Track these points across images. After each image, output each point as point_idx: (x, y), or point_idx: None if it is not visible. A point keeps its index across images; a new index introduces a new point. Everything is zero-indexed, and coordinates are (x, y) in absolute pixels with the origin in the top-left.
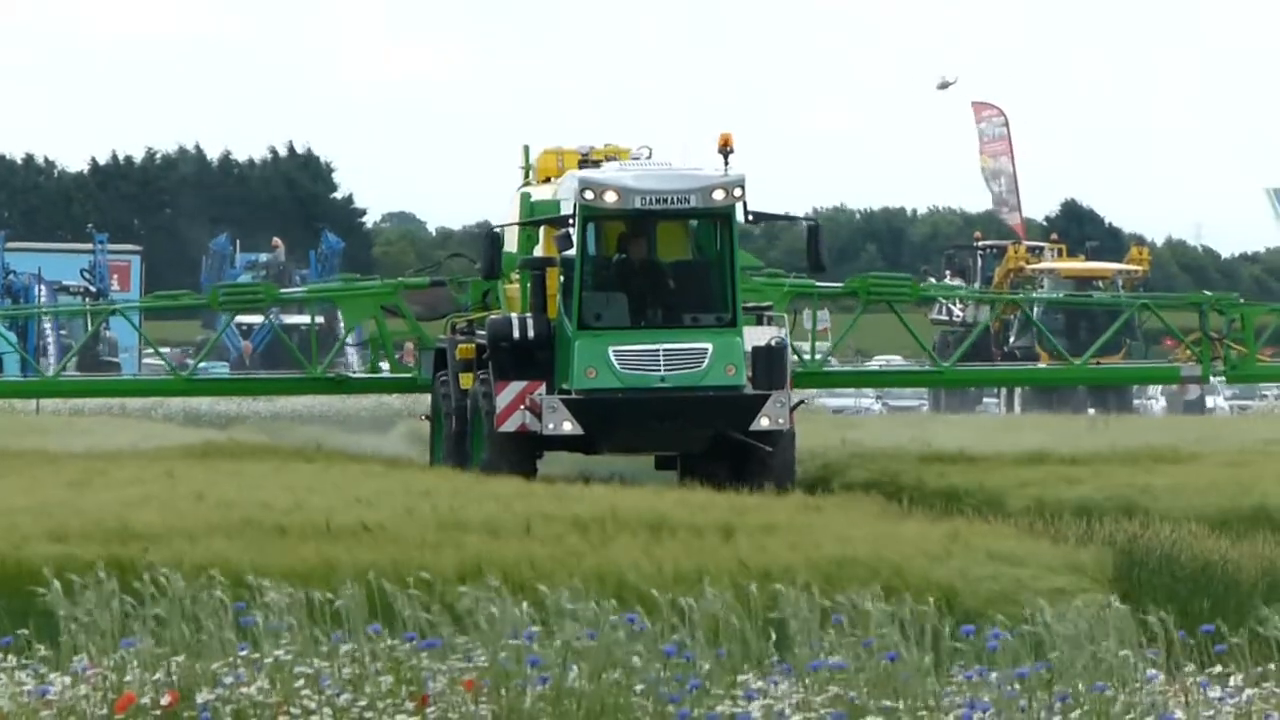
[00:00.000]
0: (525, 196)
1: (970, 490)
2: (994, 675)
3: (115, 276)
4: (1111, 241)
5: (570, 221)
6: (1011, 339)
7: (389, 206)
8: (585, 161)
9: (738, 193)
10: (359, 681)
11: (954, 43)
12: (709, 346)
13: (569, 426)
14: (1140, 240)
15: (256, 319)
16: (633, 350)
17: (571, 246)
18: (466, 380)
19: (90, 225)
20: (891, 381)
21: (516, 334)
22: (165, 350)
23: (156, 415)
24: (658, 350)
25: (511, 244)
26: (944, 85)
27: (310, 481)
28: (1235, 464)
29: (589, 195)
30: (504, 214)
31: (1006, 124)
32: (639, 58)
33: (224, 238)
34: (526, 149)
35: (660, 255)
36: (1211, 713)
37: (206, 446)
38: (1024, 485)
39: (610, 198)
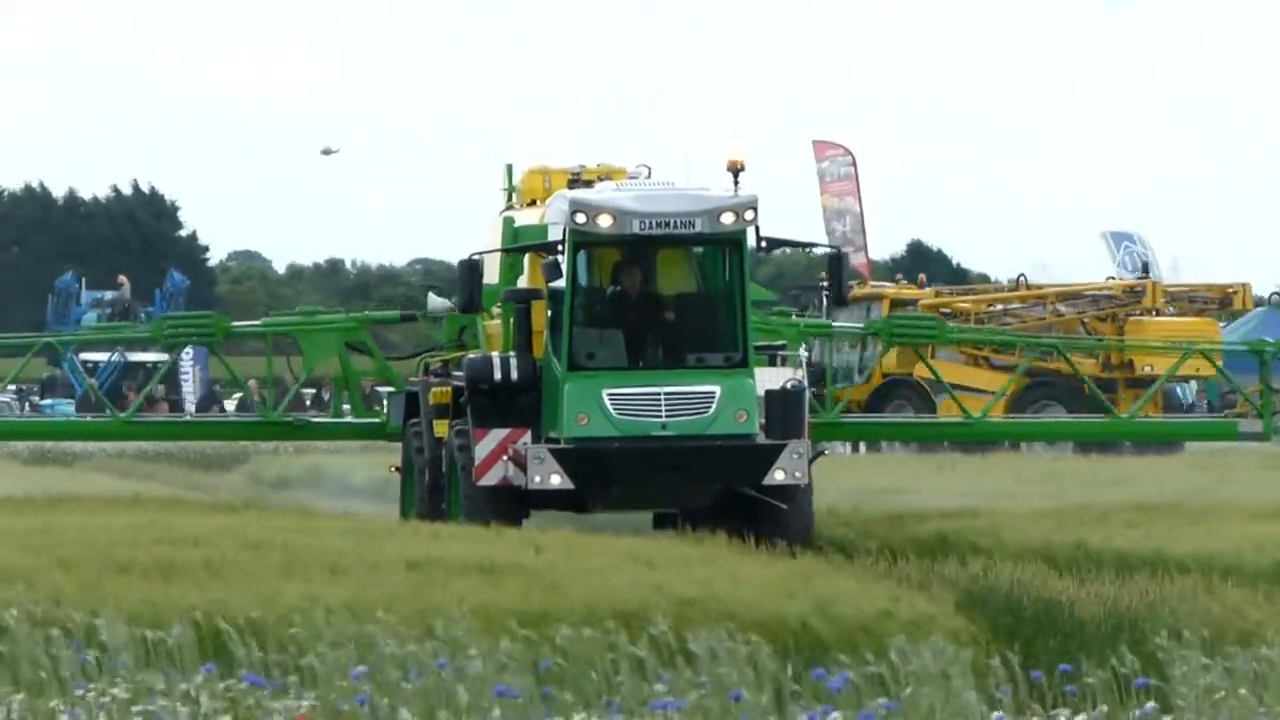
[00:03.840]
0: (508, 221)
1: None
2: (835, 715)
3: None
4: (957, 280)
5: (559, 248)
6: None
7: (235, 245)
8: (576, 182)
9: (749, 216)
10: None
11: (797, 81)
12: (717, 390)
13: (558, 480)
14: (985, 279)
15: (102, 356)
16: (630, 394)
17: (561, 277)
18: (441, 428)
19: None
20: (920, 434)
21: (498, 375)
22: (11, 388)
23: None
24: (659, 394)
25: (492, 275)
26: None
27: (152, 520)
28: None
29: (581, 219)
30: (483, 241)
31: (854, 164)
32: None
33: (70, 275)
34: (509, 169)
35: (661, 287)
36: None
37: (48, 486)
38: (868, 526)
39: (605, 221)
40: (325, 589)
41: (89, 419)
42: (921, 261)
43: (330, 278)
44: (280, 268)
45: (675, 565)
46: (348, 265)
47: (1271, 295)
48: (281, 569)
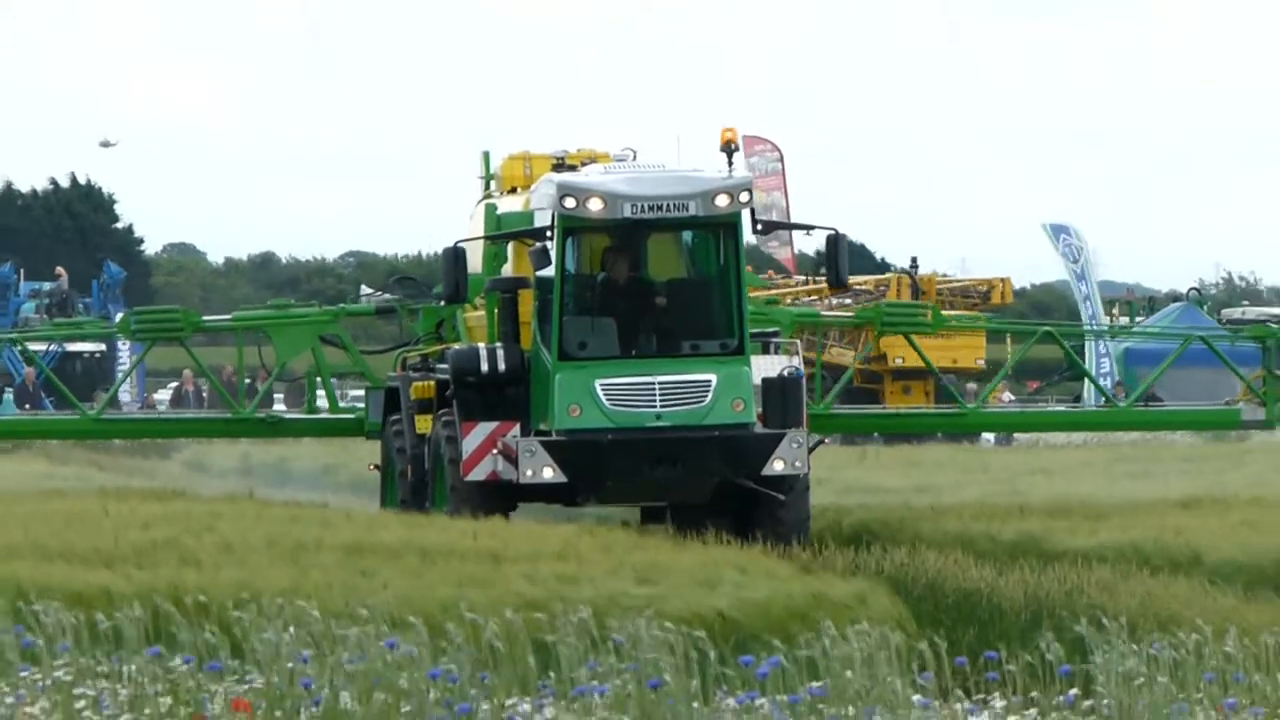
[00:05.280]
0: (490, 209)
1: None
2: (762, 700)
3: None
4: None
5: (548, 234)
6: None
7: (170, 237)
8: (560, 166)
9: (744, 198)
10: (138, 703)
11: (727, 74)
12: (713, 378)
13: (550, 473)
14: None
15: (41, 346)
16: (623, 384)
17: (549, 264)
18: (424, 423)
19: None
20: (911, 426)
21: (485, 367)
22: None
23: None
24: (653, 384)
25: (474, 265)
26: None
27: (96, 507)
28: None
29: (570, 203)
30: (463, 230)
31: (781, 159)
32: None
33: (8, 267)
34: (486, 155)
35: (654, 272)
36: None
37: None
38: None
39: (595, 205)
40: (265, 573)
41: (60, 417)
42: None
43: (263, 270)
44: (216, 260)
45: (599, 553)
46: (280, 258)
47: (1189, 290)
48: (221, 551)
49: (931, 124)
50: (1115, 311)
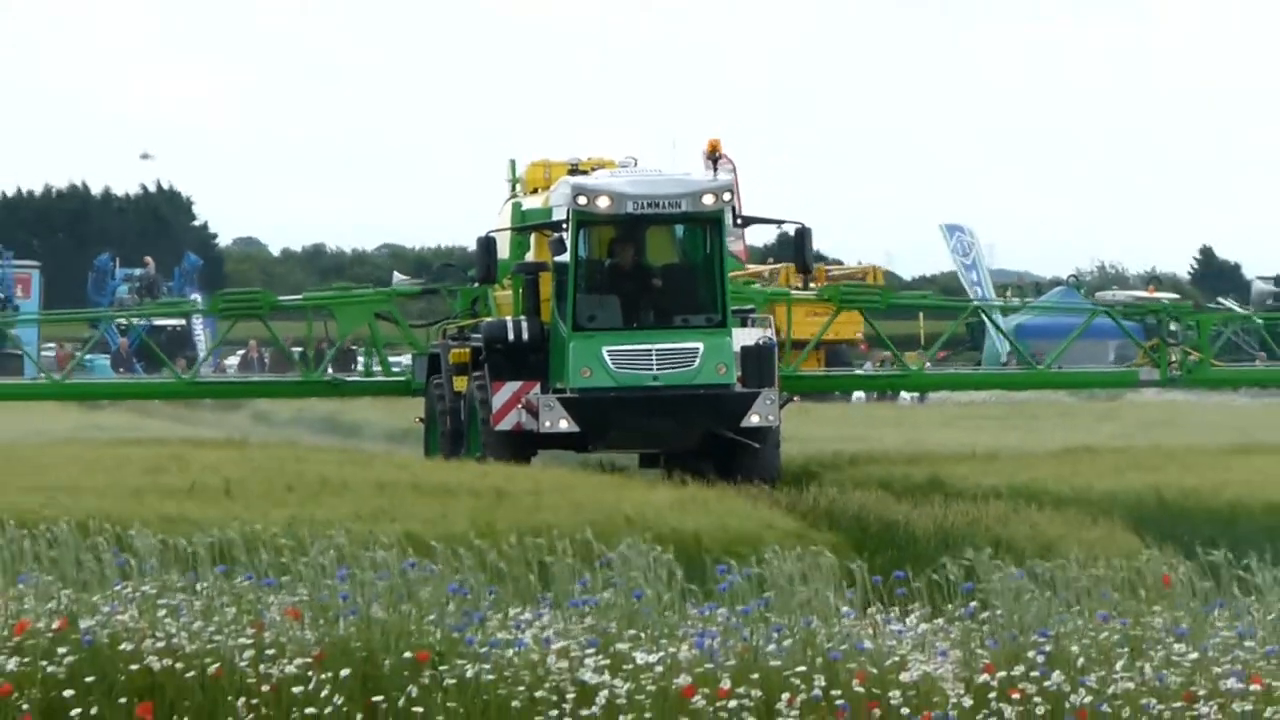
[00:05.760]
0: (516, 206)
1: None
2: (721, 609)
3: (19, 286)
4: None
5: (564, 226)
6: None
7: (238, 232)
8: (574, 171)
9: (727, 197)
10: (209, 612)
11: (709, 89)
12: (700, 346)
13: (565, 424)
14: (836, 262)
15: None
16: (626, 350)
17: (565, 251)
18: (461, 383)
19: None
20: (866, 385)
21: (511, 336)
22: (51, 346)
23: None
24: (650, 350)
25: (502, 252)
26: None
27: (175, 451)
28: (912, 443)
29: (582, 201)
30: (493, 224)
31: (734, 170)
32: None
33: (106, 256)
34: (513, 163)
35: (651, 258)
36: (894, 643)
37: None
38: None
39: (603, 203)
40: (312, 506)
41: (159, 380)
42: (788, 248)
43: (314, 259)
44: (274, 250)
45: (590, 490)
46: (328, 248)
47: (1069, 277)
48: (276, 489)
49: (870, 134)
50: (1008, 294)
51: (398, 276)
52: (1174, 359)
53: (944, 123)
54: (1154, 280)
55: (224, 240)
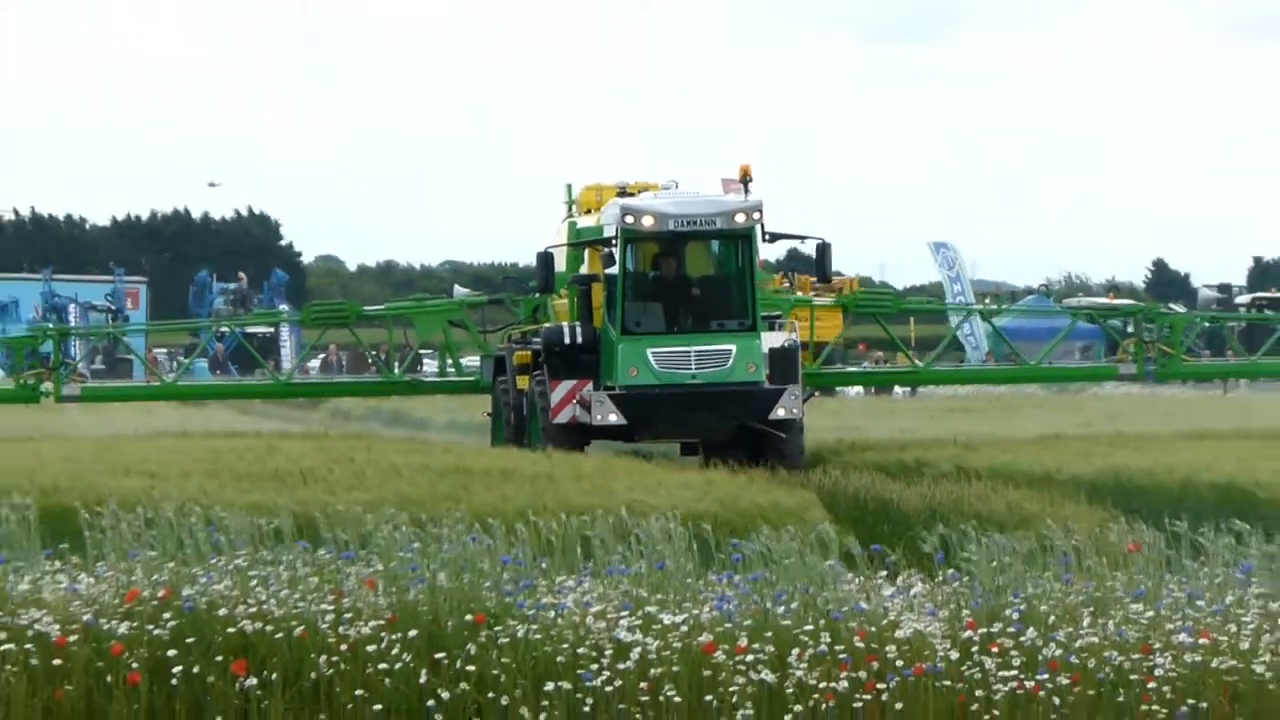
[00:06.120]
0: (572, 225)
1: None
2: (736, 578)
3: (129, 299)
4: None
5: (613, 242)
6: None
7: (320, 250)
8: (622, 193)
9: (756, 216)
10: (295, 582)
11: (736, 122)
12: (733, 348)
13: (614, 418)
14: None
15: (226, 328)
16: (668, 352)
17: (614, 264)
18: (523, 381)
19: (111, 263)
20: (877, 380)
21: (567, 340)
22: (161, 351)
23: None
24: (689, 351)
25: (560, 266)
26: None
27: (266, 442)
28: (905, 431)
29: (629, 220)
30: (551, 241)
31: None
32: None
33: (205, 272)
34: (569, 187)
35: (690, 270)
36: (888, 605)
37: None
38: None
39: (648, 221)
40: (382, 489)
41: (257, 381)
42: (798, 262)
43: (386, 274)
44: (351, 266)
45: (624, 475)
46: (399, 264)
47: (1040, 285)
48: (353, 475)
49: (872, 164)
50: (987, 300)
51: (458, 289)
52: (1151, 355)
53: (935, 156)
54: (1114, 288)
55: (307, 258)
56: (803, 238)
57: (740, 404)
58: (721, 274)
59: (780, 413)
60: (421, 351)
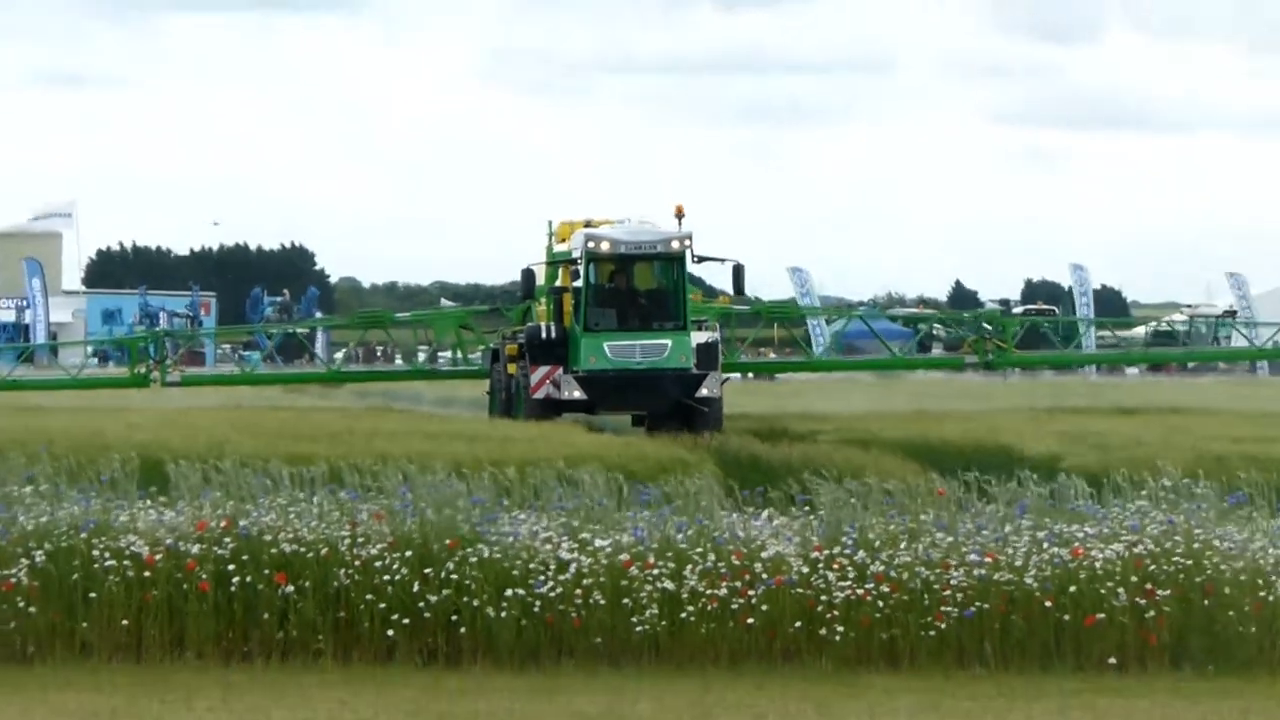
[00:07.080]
0: (549, 249)
1: None
2: (646, 512)
3: (204, 309)
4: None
5: (579, 262)
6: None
7: (343, 271)
8: (588, 225)
9: (688, 243)
10: (323, 515)
11: (669, 169)
12: (669, 342)
13: (578, 394)
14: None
15: (274, 329)
16: (620, 344)
17: (580, 279)
18: (512, 368)
19: (190, 282)
20: (774, 368)
21: (544, 335)
22: (225, 347)
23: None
24: (636, 345)
25: (540, 280)
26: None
27: (299, 414)
28: (776, 407)
29: (591, 244)
30: (534, 260)
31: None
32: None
33: (258, 290)
34: (550, 222)
35: (638, 283)
36: (756, 533)
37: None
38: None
39: (605, 246)
40: (387, 445)
41: (310, 370)
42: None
43: (391, 291)
44: (365, 284)
45: (564, 437)
46: (400, 284)
47: (870, 299)
48: (368, 436)
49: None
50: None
51: (444, 302)
52: (989, 349)
53: (789, 203)
54: (923, 301)
55: (333, 278)
56: (722, 260)
57: (675, 385)
58: (661, 286)
59: (704, 391)
60: (427, 347)
